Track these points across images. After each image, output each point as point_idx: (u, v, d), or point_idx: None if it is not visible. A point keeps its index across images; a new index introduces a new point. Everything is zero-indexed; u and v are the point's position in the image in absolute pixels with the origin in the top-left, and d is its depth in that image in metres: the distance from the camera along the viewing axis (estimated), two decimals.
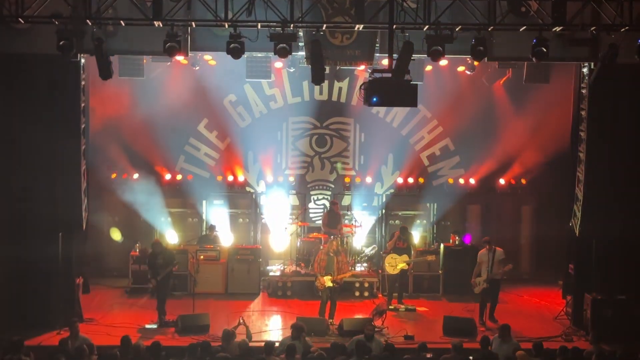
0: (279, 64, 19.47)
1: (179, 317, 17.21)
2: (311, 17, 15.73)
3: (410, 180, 22.89)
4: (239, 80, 21.67)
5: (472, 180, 22.78)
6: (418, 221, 22.17)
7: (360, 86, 14.69)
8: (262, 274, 20.66)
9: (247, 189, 22.78)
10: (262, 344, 13.95)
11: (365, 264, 21.01)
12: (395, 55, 14.64)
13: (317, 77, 16.02)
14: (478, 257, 18.08)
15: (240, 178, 22.66)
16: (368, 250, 21.48)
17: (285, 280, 20.23)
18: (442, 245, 20.79)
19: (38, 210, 16.81)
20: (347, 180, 22.98)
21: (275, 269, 20.88)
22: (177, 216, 21.93)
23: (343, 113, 23.08)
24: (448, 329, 17.04)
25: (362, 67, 18.78)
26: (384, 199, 22.78)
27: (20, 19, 15.11)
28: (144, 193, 21.47)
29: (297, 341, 14.33)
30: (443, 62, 17.36)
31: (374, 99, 14.15)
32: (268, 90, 22.77)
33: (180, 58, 17.68)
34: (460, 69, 20.52)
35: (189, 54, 17.34)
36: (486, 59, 16.62)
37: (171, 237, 21.23)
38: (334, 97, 22.97)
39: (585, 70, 17.46)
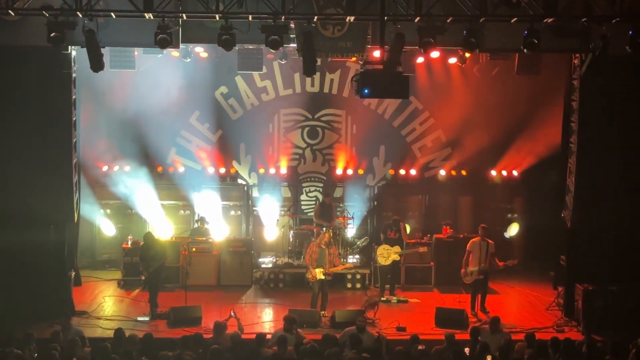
0: (270, 56, 19.43)
1: (171, 309, 17.20)
2: (302, 8, 15.70)
3: (402, 172, 22.91)
4: (230, 72, 21.65)
5: (463, 172, 22.79)
6: (410, 213, 22.22)
7: (352, 78, 14.69)
8: (254, 266, 20.65)
9: (239, 181, 22.76)
10: (254, 336, 13.95)
11: (357, 256, 21.01)
12: (386, 47, 14.62)
13: (309, 69, 16.02)
14: (468, 245, 18.07)
15: (232, 170, 22.64)
16: (360, 242, 21.48)
17: (277, 272, 20.25)
18: (433, 237, 20.82)
19: (29, 203, 16.76)
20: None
21: (267, 261, 20.88)
22: (169, 208, 21.91)
23: (335, 105, 23.07)
24: (440, 320, 17.08)
25: (354, 58, 18.80)
26: (376, 191, 22.83)
27: (10, 11, 15.06)
28: (136, 185, 21.43)
29: (289, 333, 14.34)
30: (434, 54, 17.33)
31: (366, 91, 14.13)
32: (259, 82, 22.74)
33: (171, 50, 17.62)
34: (452, 60, 20.51)
35: (180, 46, 17.31)
36: (478, 50, 16.62)
37: (163, 229, 21.20)
38: (326, 89, 22.96)
39: (576, 61, 17.48)
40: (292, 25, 16.39)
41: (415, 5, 15.28)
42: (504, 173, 22.68)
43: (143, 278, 18.29)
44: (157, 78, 21.53)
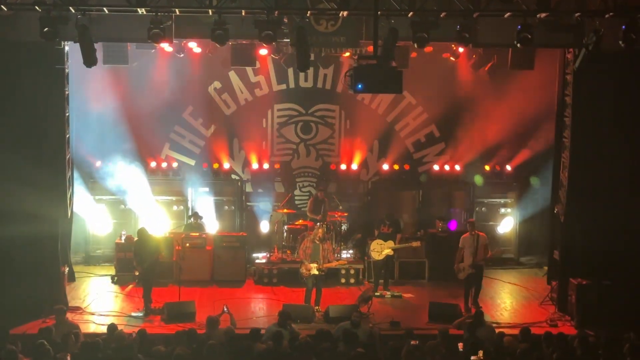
0: (264, 51, 19.42)
1: (165, 304, 17.20)
2: (296, 3, 15.70)
3: (396, 167, 22.91)
4: (223, 68, 21.62)
5: (457, 167, 22.80)
6: (404, 207, 22.22)
7: (346, 73, 14.70)
8: (247, 261, 20.66)
9: (233, 176, 22.74)
10: (248, 331, 13.95)
11: (350, 251, 21.01)
12: (380, 42, 14.61)
13: (302, 64, 16.01)
14: (460, 242, 18.09)
15: (226, 165, 22.61)
16: (353, 237, 21.46)
17: (271, 267, 20.24)
18: (427, 232, 20.84)
19: (22, 199, 16.70)
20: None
21: (261, 256, 20.86)
22: (162, 204, 21.86)
23: (328, 100, 23.04)
24: (434, 315, 17.12)
25: (347, 53, 18.81)
26: (370, 186, 22.83)
27: (2, 6, 15.02)
28: (129, 181, 21.40)
29: (283, 328, 14.35)
30: (428, 49, 17.33)
31: (359, 86, 14.12)
32: (253, 77, 22.71)
33: (164, 45, 17.59)
34: (445, 55, 20.49)
35: (174, 41, 17.27)
36: (471, 45, 16.63)
37: (156, 224, 21.17)
38: (319, 84, 22.93)
39: (569, 56, 17.50)
40: (286, 20, 16.37)
41: (408, 0, 15.27)
42: (498, 168, 22.67)
43: (137, 273, 18.27)
44: (150, 73, 21.50)
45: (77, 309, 17.44)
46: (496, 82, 22.08)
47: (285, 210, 21.51)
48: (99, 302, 18.30)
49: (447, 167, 22.78)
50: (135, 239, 18.63)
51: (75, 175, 19.10)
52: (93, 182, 21.58)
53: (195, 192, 22.12)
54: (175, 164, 22.60)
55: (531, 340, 13.53)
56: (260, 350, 12.97)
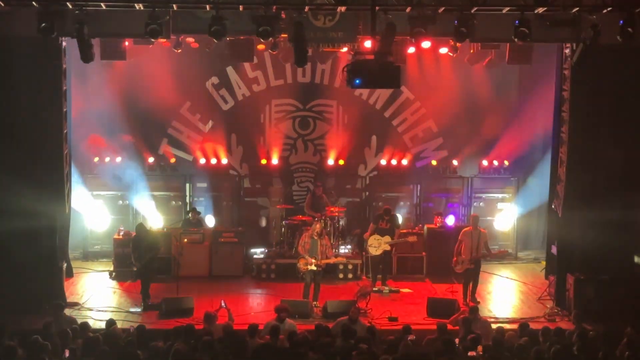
0: (261, 46, 19.38)
1: (163, 300, 17.19)
2: None
3: (394, 162, 22.91)
4: (221, 63, 21.60)
5: (455, 162, 22.81)
6: (402, 203, 22.24)
7: (343, 68, 14.67)
8: (245, 256, 20.65)
9: (231, 171, 22.75)
10: (247, 326, 13.94)
11: (348, 246, 21.01)
12: (377, 37, 14.60)
13: (300, 59, 15.99)
14: (460, 235, 18.09)
15: (224, 161, 22.62)
16: (352, 233, 21.46)
17: (269, 262, 20.24)
18: (425, 227, 20.84)
19: (20, 195, 16.66)
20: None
21: (259, 252, 20.85)
22: (160, 199, 21.88)
23: (326, 95, 23.05)
24: (432, 310, 17.10)
25: (345, 49, 18.78)
26: (368, 181, 22.84)
27: (0, 2, 14.98)
28: (127, 176, 21.40)
29: (281, 323, 14.36)
30: (426, 44, 17.31)
31: (357, 81, 14.13)
32: (251, 72, 22.70)
33: (162, 41, 17.55)
34: (443, 50, 20.48)
35: (171, 37, 17.25)
36: (469, 40, 16.60)
37: (155, 220, 21.17)
38: (317, 80, 22.95)
39: (567, 51, 17.47)
40: (283, 16, 16.34)
41: None
42: (496, 163, 22.68)
43: (135, 269, 18.26)
44: (147, 69, 21.48)
45: (75, 305, 17.43)
46: (494, 77, 22.09)
47: (283, 206, 21.51)
48: (97, 297, 18.29)
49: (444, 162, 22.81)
50: (133, 234, 18.62)
51: (73, 170, 19.05)
52: (91, 177, 21.59)
53: (193, 188, 22.11)
54: (173, 160, 22.61)
55: (530, 335, 13.54)
56: (258, 346, 12.96)
